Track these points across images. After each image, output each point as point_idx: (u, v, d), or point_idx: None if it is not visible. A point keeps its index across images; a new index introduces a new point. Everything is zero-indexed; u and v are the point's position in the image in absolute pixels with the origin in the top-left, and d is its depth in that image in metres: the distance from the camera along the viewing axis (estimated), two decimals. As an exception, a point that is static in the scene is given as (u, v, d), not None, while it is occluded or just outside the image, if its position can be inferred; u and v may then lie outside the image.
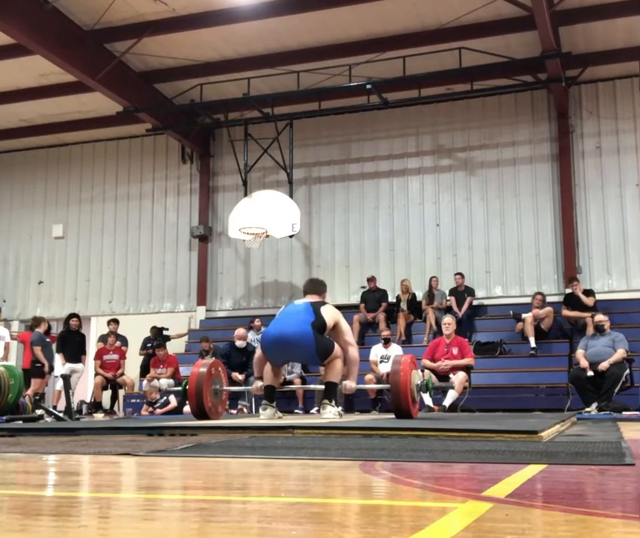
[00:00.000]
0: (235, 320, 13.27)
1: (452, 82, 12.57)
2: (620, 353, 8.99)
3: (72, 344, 12.11)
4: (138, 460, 3.06)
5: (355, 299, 13.29)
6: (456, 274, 12.50)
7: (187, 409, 10.24)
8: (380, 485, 2.32)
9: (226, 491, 2.20)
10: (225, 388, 6.92)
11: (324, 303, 6.19)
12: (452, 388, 8.87)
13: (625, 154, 12.64)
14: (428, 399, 8.92)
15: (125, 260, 15.11)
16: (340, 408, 6.39)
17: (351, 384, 6.16)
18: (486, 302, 12.92)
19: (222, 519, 1.64)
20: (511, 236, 13.01)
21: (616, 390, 8.85)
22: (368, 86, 12.00)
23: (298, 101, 13.19)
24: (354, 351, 6.17)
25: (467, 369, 9.31)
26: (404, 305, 12.51)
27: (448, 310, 11.89)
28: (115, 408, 12.32)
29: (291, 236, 13.25)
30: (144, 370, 12.29)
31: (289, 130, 13.51)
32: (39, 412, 8.07)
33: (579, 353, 9.35)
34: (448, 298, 12.41)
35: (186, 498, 2.08)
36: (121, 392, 12.58)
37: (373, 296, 12.80)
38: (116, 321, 12.89)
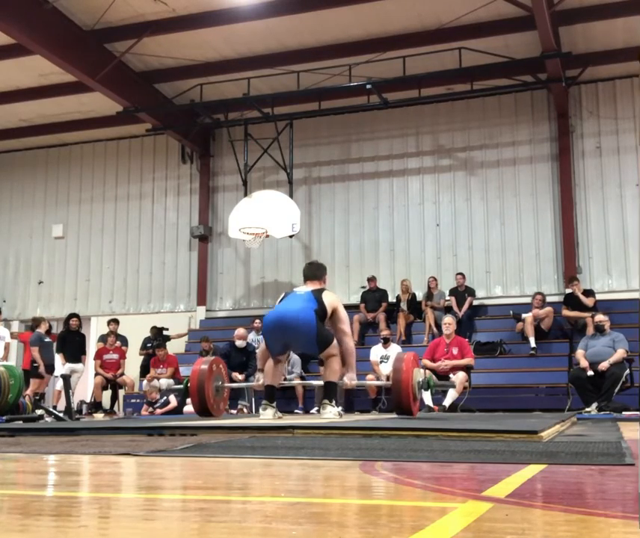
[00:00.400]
0: (235, 320, 13.26)
1: (452, 82, 12.56)
2: (620, 353, 9.00)
3: (72, 344, 12.13)
4: (138, 460, 3.06)
5: (355, 299, 13.29)
6: (457, 274, 12.50)
7: (187, 409, 10.27)
8: (380, 485, 2.32)
9: (226, 491, 2.20)
10: (226, 384, 6.92)
11: (324, 289, 6.23)
12: (453, 386, 8.87)
13: (625, 154, 12.62)
14: (428, 399, 8.92)
15: (125, 260, 15.11)
16: (340, 408, 6.40)
17: (352, 378, 6.16)
18: (486, 302, 12.92)
19: (222, 519, 1.64)
20: (511, 236, 13.00)
21: (616, 390, 8.86)
22: (368, 86, 12.01)
23: (298, 101, 13.19)
24: (349, 341, 6.18)
25: (467, 369, 9.33)
26: (404, 306, 12.51)
27: (448, 310, 11.89)
28: (115, 408, 12.33)
29: (291, 236, 13.25)
30: (144, 370, 12.29)
31: (289, 130, 13.51)
32: (39, 412, 8.08)
33: (579, 353, 9.35)
34: (447, 298, 12.41)
35: (186, 498, 2.08)
36: (121, 392, 12.59)
37: (373, 296, 12.80)
38: (116, 321, 12.90)
